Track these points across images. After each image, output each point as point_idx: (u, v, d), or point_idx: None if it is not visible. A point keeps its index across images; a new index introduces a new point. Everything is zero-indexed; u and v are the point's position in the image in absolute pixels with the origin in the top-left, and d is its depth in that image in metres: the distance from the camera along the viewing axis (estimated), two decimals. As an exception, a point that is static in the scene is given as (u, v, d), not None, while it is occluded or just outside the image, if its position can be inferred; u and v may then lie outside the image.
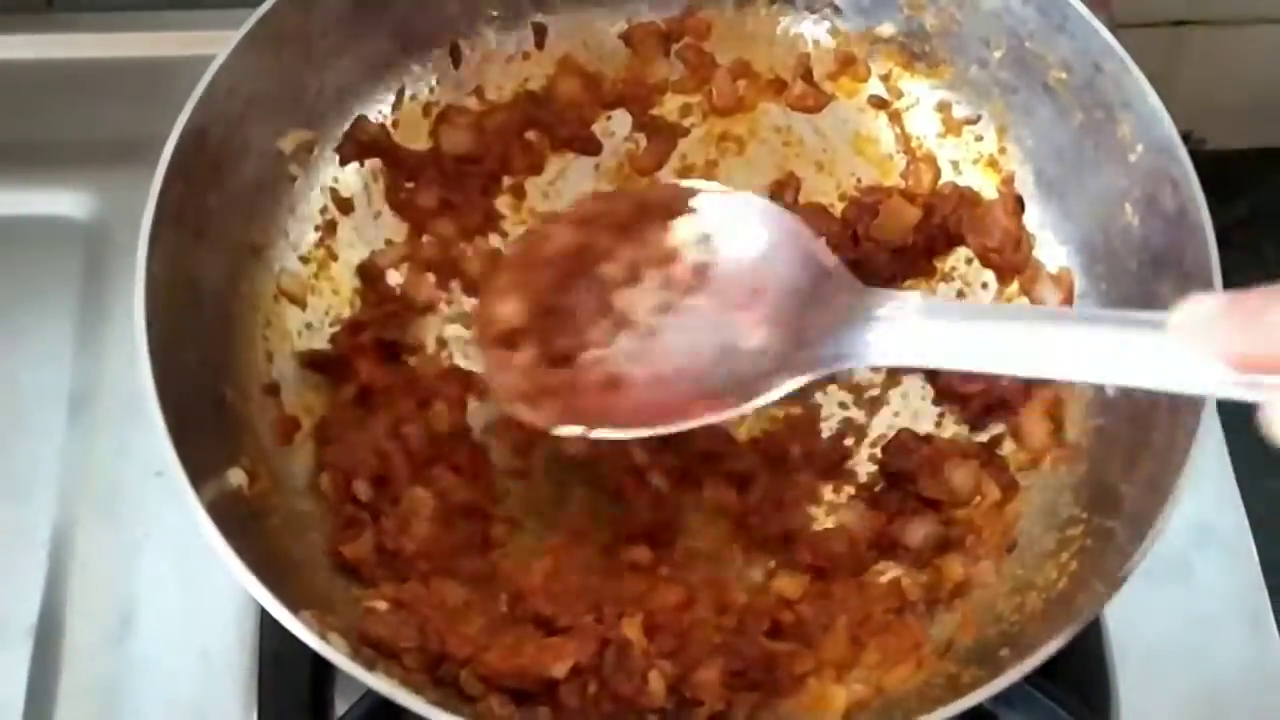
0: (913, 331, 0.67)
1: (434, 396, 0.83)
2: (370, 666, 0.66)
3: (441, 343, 0.87)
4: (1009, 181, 0.88)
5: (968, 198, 0.89)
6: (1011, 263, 0.87)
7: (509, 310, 0.73)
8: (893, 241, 0.88)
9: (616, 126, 0.93)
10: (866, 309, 0.68)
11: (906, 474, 0.82)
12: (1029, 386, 0.82)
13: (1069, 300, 0.84)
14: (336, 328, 0.85)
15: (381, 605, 0.73)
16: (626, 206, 0.75)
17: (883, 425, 0.86)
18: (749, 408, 0.69)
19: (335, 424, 0.82)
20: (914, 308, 0.68)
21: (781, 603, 0.78)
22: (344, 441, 0.80)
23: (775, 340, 0.68)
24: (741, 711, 0.73)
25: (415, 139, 0.90)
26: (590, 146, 0.93)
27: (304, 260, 0.86)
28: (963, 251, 0.89)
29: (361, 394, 0.83)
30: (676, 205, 0.74)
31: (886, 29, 0.92)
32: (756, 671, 0.74)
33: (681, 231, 0.72)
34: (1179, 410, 0.72)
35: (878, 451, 0.85)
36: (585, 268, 0.73)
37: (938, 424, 0.86)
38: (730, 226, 0.71)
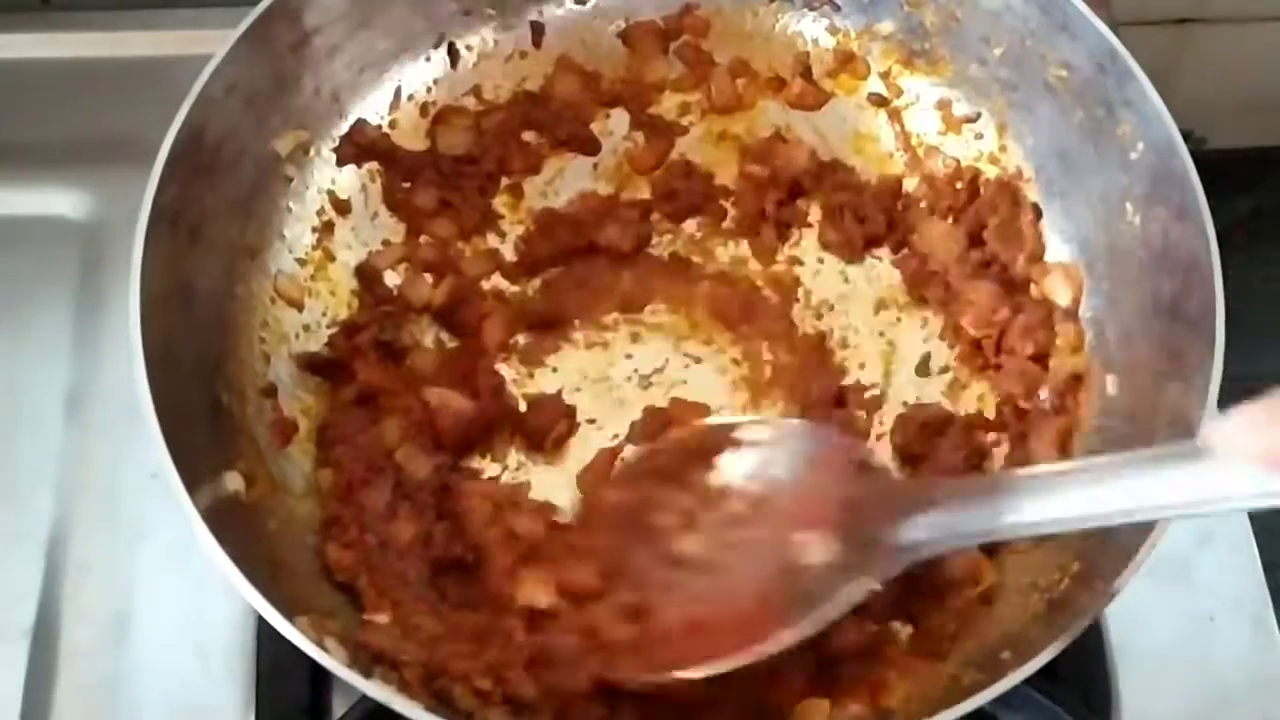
0: (961, 513, 0.68)
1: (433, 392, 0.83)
2: (367, 673, 0.66)
3: (440, 343, 0.87)
4: (1015, 179, 0.88)
5: (1007, 187, 0.88)
6: (1026, 275, 0.86)
7: (582, 581, 0.74)
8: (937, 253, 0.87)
9: (615, 125, 0.93)
10: (912, 503, 0.70)
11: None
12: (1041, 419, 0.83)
13: (1079, 296, 0.84)
14: (334, 329, 0.85)
15: (381, 618, 0.73)
16: (671, 456, 0.77)
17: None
18: (818, 618, 0.69)
19: (337, 425, 0.81)
20: (956, 490, 0.70)
21: None
22: (348, 443, 0.80)
23: (835, 550, 0.70)
24: None
25: (412, 139, 0.90)
26: (589, 146, 0.92)
27: (301, 262, 0.86)
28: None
29: (361, 395, 0.82)
30: (718, 443, 0.76)
31: (886, 26, 0.91)
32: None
33: (728, 469, 0.74)
34: (1179, 411, 0.72)
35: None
36: (642, 523, 0.75)
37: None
38: (774, 454, 0.74)
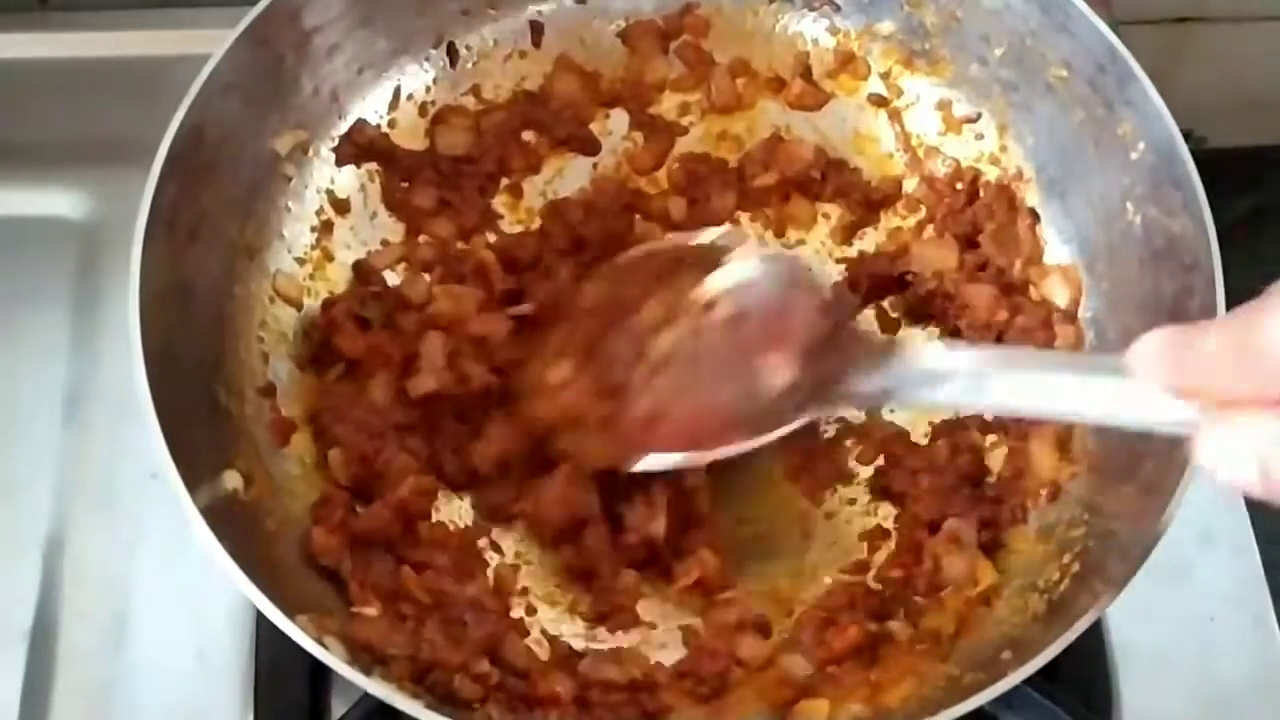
0: (918, 376, 0.70)
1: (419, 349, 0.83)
2: (367, 670, 0.66)
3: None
4: (1015, 180, 0.88)
5: (1005, 191, 0.88)
6: (1024, 278, 0.86)
7: (561, 371, 0.79)
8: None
9: (614, 125, 0.93)
10: (879, 355, 0.72)
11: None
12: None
13: (1077, 298, 0.84)
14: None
15: (371, 611, 0.72)
16: (663, 260, 0.81)
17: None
18: (770, 438, 0.74)
19: (328, 408, 0.81)
20: (923, 353, 0.71)
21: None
22: (345, 421, 0.80)
23: (792, 380, 0.74)
24: None
25: (412, 139, 0.90)
26: (588, 146, 0.92)
27: (300, 261, 0.85)
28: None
29: (349, 368, 0.82)
30: (710, 260, 0.79)
31: (886, 26, 0.91)
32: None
33: (714, 283, 0.78)
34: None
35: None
36: (624, 315, 0.79)
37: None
38: (760, 279, 0.78)
